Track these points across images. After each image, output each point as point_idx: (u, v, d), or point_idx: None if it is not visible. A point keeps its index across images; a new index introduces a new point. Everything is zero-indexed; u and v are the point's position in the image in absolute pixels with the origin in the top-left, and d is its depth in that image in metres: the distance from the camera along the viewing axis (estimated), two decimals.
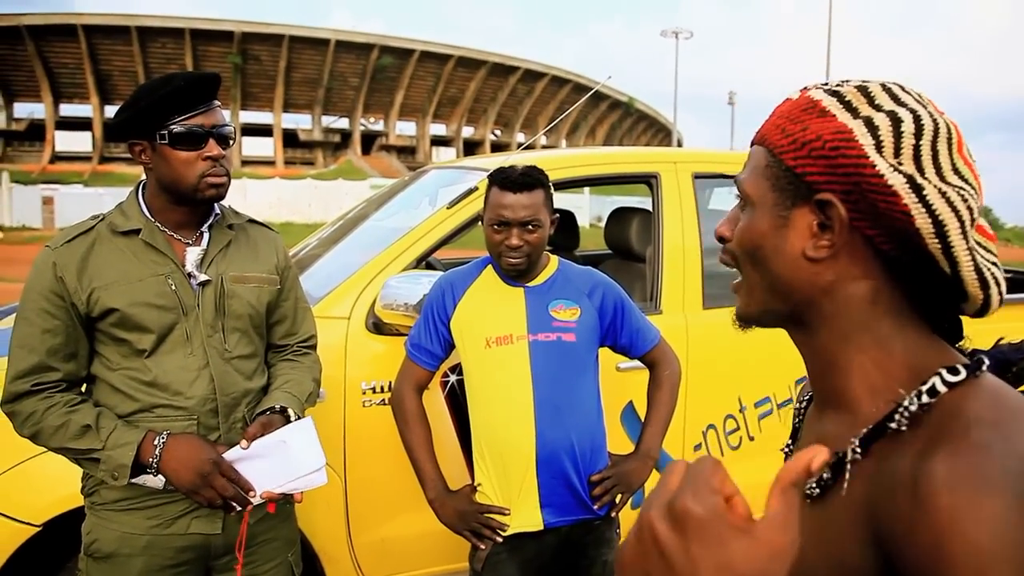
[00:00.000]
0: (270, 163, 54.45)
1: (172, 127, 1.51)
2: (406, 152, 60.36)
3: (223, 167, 1.57)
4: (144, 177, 1.63)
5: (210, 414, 1.56)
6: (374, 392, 2.23)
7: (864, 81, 0.70)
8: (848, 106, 0.68)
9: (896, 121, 0.65)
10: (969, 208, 0.65)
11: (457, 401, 2.27)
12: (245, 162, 53.43)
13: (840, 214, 0.66)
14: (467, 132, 64.11)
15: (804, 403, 0.88)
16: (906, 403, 0.65)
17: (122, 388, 1.53)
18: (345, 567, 2.27)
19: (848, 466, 0.68)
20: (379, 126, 61.33)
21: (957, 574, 0.56)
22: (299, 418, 1.61)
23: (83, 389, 1.59)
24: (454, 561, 2.44)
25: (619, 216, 3.02)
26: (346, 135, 59.22)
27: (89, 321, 1.52)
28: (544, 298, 1.91)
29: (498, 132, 66.00)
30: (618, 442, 2.20)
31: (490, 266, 1.97)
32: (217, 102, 1.57)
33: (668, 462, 2.55)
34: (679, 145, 45.57)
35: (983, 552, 0.55)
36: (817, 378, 0.75)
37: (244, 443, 1.50)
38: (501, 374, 1.86)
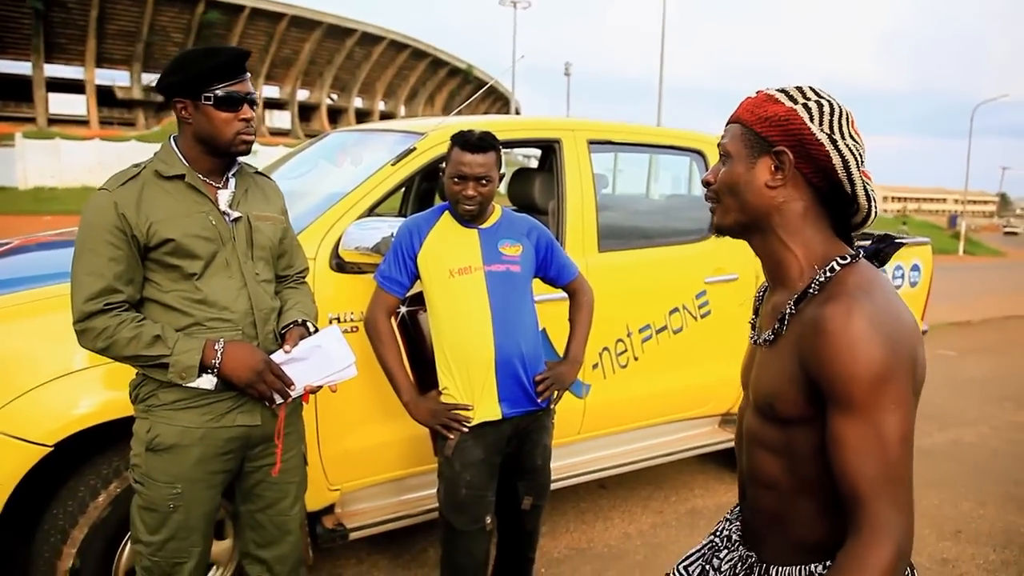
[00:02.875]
0: (83, 122, 49.80)
1: (216, 91, 1.82)
2: None
3: (252, 126, 1.90)
4: (177, 132, 1.92)
5: (250, 326, 1.91)
6: (339, 321, 2.60)
7: (797, 85, 1.20)
8: (791, 98, 1.18)
9: (820, 105, 1.17)
10: (860, 156, 1.18)
11: (407, 329, 2.69)
12: (53, 120, 48.60)
13: (789, 158, 1.17)
14: (302, 95, 61.83)
15: (762, 293, 1.39)
16: (819, 277, 1.16)
17: (177, 306, 1.84)
18: (316, 476, 2.64)
19: (786, 319, 1.19)
20: None
21: (840, 365, 1.04)
22: (316, 330, 2.00)
23: None
24: (410, 466, 2.89)
25: (521, 176, 3.51)
26: None
27: (145, 251, 1.81)
28: (493, 237, 2.37)
29: (335, 96, 64.19)
30: None
31: (447, 212, 2.40)
32: (249, 73, 1.89)
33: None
34: (518, 113, 46.67)
35: (852, 349, 1.04)
36: (769, 269, 1.25)
37: (288, 347, 1.88)
38: (463, 298, 2.31)
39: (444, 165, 2.36)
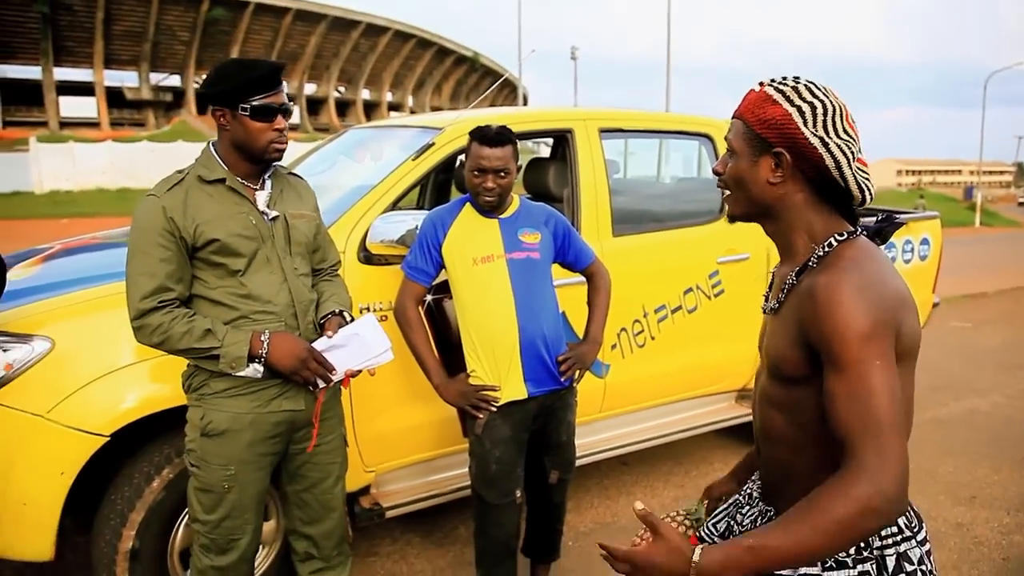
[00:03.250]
0: (94, 124, 50.25)
1: (253, 102, 1.95)
2: None
3: (285, 135, 2.02)
4: (216, 138, 2.06)
5: (292, 317, 2.05)
6: (368, 311, 2.73)
7: (795, 81, 1.31)
8: (787, 99, 1.29)
9: (813, 107, 1.27)
10: (852, 152, 1.28)
11: (433, 316, 2.82)
12: (64, 124, 49.10)
13: (787, 159, 1.28)
14: (309, 89, 62.04)
15: (775, 269, 1.51)
16: (817, 252, 1.29)
17: (224, 301, 1.98)
18: (352, 458, 2.78)
19: (788, 288, 1.32)
20: None
21: (829, 327, 1.17)
22: (353, 319, 2.13)
23: None
24: (440, 447, 3.03)
25: (535, 165, 3.62)
26: (179, 94, 55.61)
27: (193, 250, 1.95)
28: (513, 226, 2.50)
29: (342, 89, 64.35)
30: None
31: (468, 204, 2.52)
32: (284, 84, 2.02)
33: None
34: (525, 101, 46.58)
35: (839, 313, 1.16)
36: (780, 247, 1.38)
37: (330, 334, 2.01)
38: (487, 285, 2.43)
39: (464, 158, 2.48)
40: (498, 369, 2.44)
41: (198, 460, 2.04)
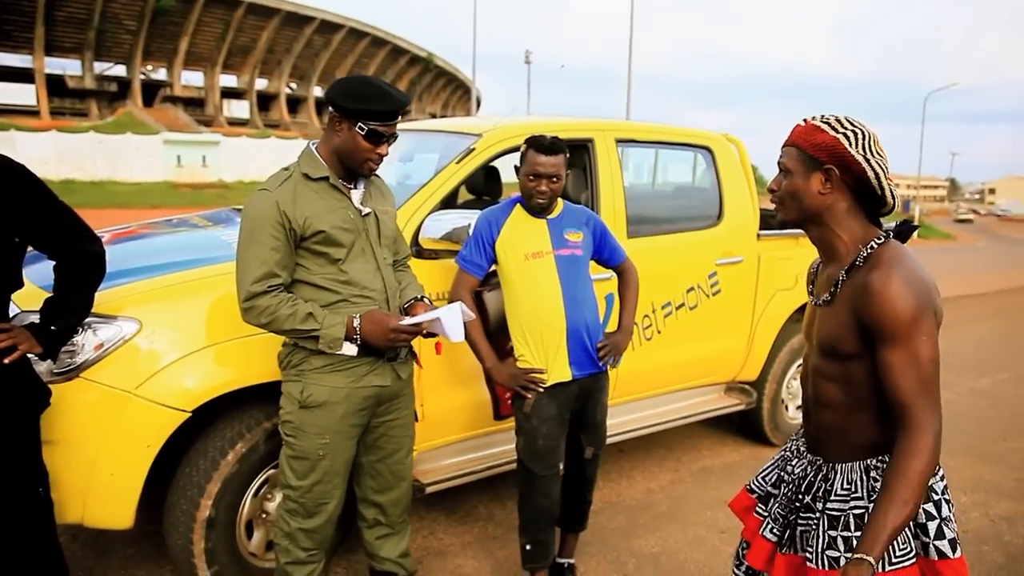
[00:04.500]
0: (33, 113, 48.60)
1: (371, 125, 2.16)
2: (193, 104, 56.40)
3: (382, 159, 2.25)
4: (317, 140, 2.28)
5: (384, 302, 2.29)
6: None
7: (836, 116, 1.63)
8: (832, 128, 1.61)
9: (855, 133, 1.60)
10: (885, 167, 1.62)
11: (482, 306, 3.05)
12: (0, 111, 47.30)
13: (836, 174, 1.61)
14: (260, 84, 61.14)
15: (815, 269, 1.83)
16: (863, 253, 1.61)
17: (326, 286, 2.20)
18: None
19: (840, 284, 1.63)
20: (161, 75, 56.66)
21: (885, 312, 1.49)
22: (433, 304, 2.38)
23: None
24: (472, 429, 3.28)
25: None
26: (124, 84, 54.12)
27: (300, 240, 2.16)
28: (560, 226, 2.77)
29: (294, 85, 63.57)
30: None
31: (519, 204, 2.78)
32: (400, 118, 2.22)
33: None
34: (478, 103, 46.88)
35: (892, 300, 1.50)
36: (823, 249, 1.70)
37: (418, 313, 2.26)
38: (538, 278, 2.70)
39: (518, 164, 2.74)
40: (546, 354, 2.71)
41: (294, 430, 2.26)
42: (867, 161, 1.58)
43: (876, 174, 1.59)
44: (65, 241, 2.18)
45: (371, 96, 2.16)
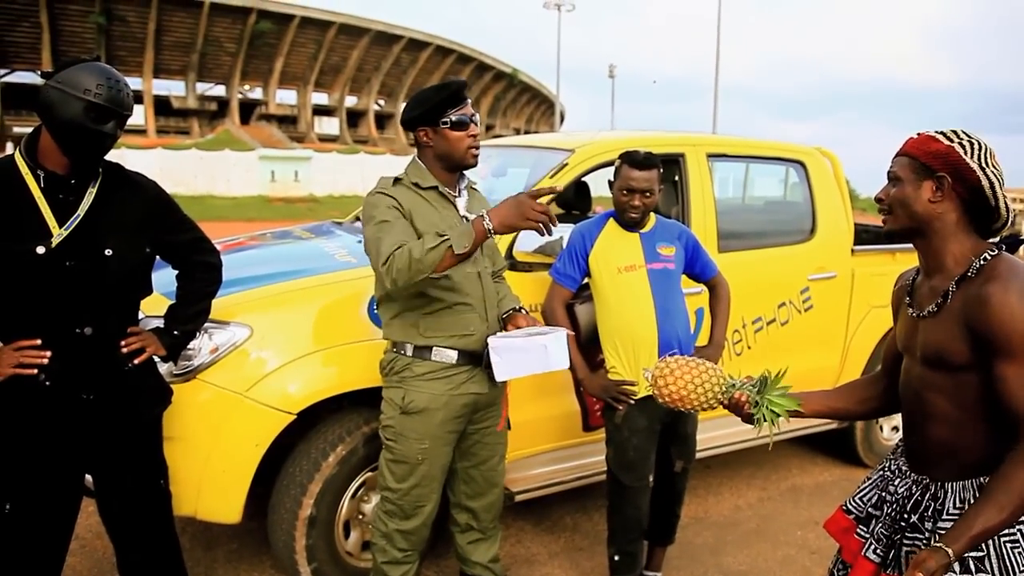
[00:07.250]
0: (141, 132, 51.54)
1: (451, 116, 2.27)
2: (287, 121, 58.75)
3: (479, 142, 2.34)
4: (417, 153, 2.38)
5: (484, 310, 2.36)
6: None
7: (952, 128, 1.61)
8: (948, 138, 1.60)
9: (971, 143, 1.58)
10: (1001, 179, 1.59)
11: (574, 318, 3.10)
12: None
13: (948, 181, 1.58)
14: (350, 102, 63.10)
15: (909, 281, 1.80)
16: (975, 264, 1.58)
17: (429, 293, 2.27)
18: None
19: (951, 295, 1.61)
20: (257, 94, 59.28)
21: (1002, 325, 1.47)
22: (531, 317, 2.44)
23: None
24: (560, 440, 3.33)
25: None
26: (223, 103, 56.92)
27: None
28: (652, 240, 2.80)
29: (382, 102, 65.34)
30: None
31: (612, 219, 2.83)
32: (469, 99, 2.34)
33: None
34: (562, 118, 47.07)
35: (1010, 314, 1.47)
36: (928, 260, 1.67)
37: (519, 324, 2.34)
38: (630, 291, 2.73)
39: (612, 179, 2.79)
40: (638, 365, 2.73)
41: (395, 435, 2.35)
42: (983, 170, 1.56)
43: (991, 184, 1.56)
44: (189, 252, 2.34)
45: (431, 94, 2.29)
